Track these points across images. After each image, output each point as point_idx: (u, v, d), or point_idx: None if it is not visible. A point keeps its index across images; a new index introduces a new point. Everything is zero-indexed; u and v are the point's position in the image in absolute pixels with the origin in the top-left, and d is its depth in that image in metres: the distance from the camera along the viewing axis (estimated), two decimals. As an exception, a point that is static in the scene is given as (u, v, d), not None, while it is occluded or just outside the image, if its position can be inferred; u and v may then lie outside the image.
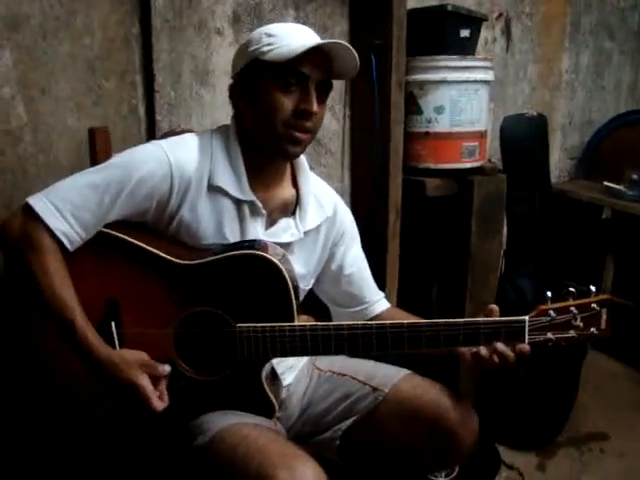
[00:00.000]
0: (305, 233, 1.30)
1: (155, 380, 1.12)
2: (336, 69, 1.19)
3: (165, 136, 1.53)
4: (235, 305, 1.17)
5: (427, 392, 1.29)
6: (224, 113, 1.89)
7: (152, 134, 1.74)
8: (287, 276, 1.17)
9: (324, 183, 1.43)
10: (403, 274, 2.18)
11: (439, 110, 2.01)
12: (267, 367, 1.22)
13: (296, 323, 1.18)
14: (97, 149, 1.37)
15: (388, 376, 1.34)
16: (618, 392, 2.56)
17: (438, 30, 1.99)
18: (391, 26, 1.93)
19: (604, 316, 1.23)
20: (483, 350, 1.18)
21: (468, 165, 2.08)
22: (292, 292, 1.18)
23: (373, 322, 1.19)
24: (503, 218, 2.23)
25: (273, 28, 1.20)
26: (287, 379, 1.36)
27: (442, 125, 2.03)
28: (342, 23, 2.06)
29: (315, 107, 1.16)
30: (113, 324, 1.16)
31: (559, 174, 3.09)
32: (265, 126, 1.19)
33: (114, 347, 1.14)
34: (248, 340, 1.17)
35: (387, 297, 1.51)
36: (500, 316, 1.20)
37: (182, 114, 1.78)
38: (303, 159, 1.33)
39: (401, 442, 1.28)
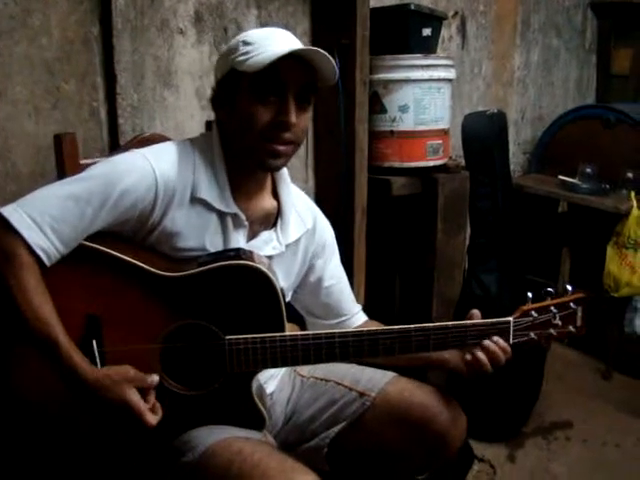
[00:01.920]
0: (286, 246, 1.28)
1: (144, 393, 1.07)
2: (319, 75, 1.16)
3: (133, 141, 1.49)
4: (223, 317, 1.14)
5: (415, 394, 1.28)
6: (187, 115, 1.85)
7: (114, 138, 1.68)
8: (277, 285, 1.14)
9: (304, 195, 1.41)
10: (367, 273, 2.19)
11: (403, 109, 2.01)
12: (256, 379, 1.19)
13: (287, 333, 1.16)
14: (64, 155, 1.30)
15: (374, 380, 1.33)
16: (579, 381, 2.65)
17: (401, 29, 2.00)
18: (355, 25, 1.92)
19: (579, 314, 1.28)
20: (478, 353, 1.19)
21: (432, 163, 2.09)
22: (282, 301, 1.16)
23: (364, 329, 1.19)
24: (466, 215, 2.25)
25: (251, 35, 1.17)
26: (269, 387, 1.34)
27: (406, 124, 2.03)
28: (304, 22, 2.04)
29: (293, 118, 1.12)
30: (94, 342, 1.10)
31: (513, 169, 3.15)
32: (243, 137, 1.16)
33: (96, 366, 1.09)
34: (238, 352, 1.14)
35: (363, 309, 1.49)
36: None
37: (145, 117, 1.73)
38: (284, 170, 1.30)
39: (391, 446, 1.27)
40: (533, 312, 1.24)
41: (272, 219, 1.28)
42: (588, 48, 3.45)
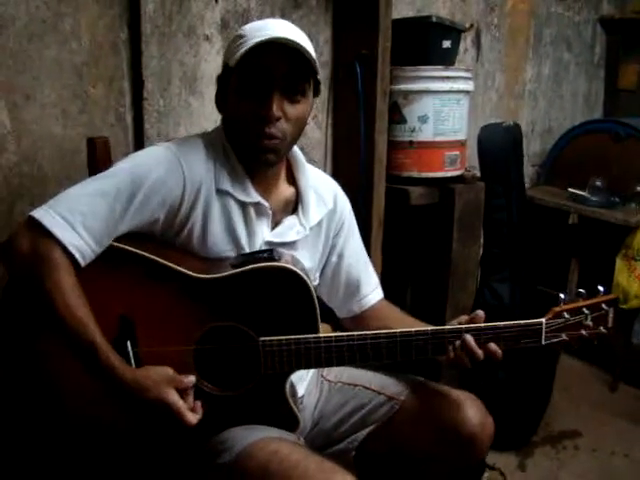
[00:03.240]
0: (310, 229, 1.29)
1: (182, 393, 1.07)
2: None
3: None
4: (257, 318, 1.15)
5: (444, 398, 1.29)
6: (212, 122, 1.85)
7: (140, 143, 1.69)
8: (311, 287, 1.16)
9: (322, 173, 1.42)
10: (381, 282, 2.20)
11: (423, 119, 2.03)
12: (289, 380, 1.20)
13: (321, 334, 1.17)
14: (97, 159, 1.31)
15: (402, 384, 1.35)
16: (586, 392, 2.66)
17: (422, 40, 2.02)
18: (377, 36, 1.94)
19: (611, 315, 1.28)
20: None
21: (450, 174, 2.11)
22: (316, 302, 1.17)
23: (397, 330, 1.20)
24: (481, 225, 2.27)
25: (245, 27, 1.18)
26: (299, 391, 1.34)
27: (426, 134, 2.05)
28: (326, 31, 2.06)
29: (274, 111, 1.11)
30: (129, 343, 1.12)
31: (523, 180, 3.19)
32: (235, 133, 1.19)
33: (131, 367, 1.10)
34: (272, 354, 1.15)
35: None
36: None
37: (171, 122, 1.74)
38: (298, 153, 1.31)
39: (420, 450, 1.28)
40: (565, 313, 1.24)
41: (292, 205, 1.29)
42: (597, 63, 3.48)
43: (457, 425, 1.24)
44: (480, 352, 1.19)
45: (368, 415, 1.33)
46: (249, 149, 1.17)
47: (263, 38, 1.09)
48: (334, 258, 1.39)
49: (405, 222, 2.23)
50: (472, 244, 2.25)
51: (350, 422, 1.34)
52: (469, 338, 1.19)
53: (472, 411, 1.26)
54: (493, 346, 1.20)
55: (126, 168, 1.13)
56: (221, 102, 1.23)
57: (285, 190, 1.29)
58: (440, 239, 2.20)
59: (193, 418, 1.06)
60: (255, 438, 1.10)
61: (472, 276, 2.31)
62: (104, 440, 1.14)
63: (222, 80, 1.21)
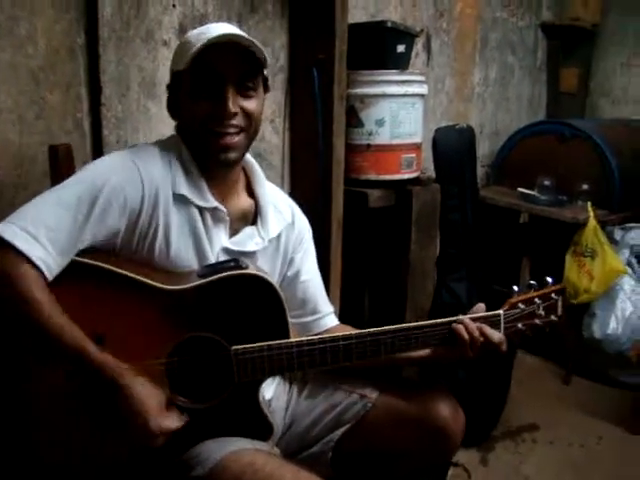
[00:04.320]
0: (269, 241, 1.29)
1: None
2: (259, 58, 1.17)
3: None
4: (228, 327, 1.14)
5: (414, 392, 1.32)
6: (171, 127, 1.80)
7: (98, 149, 1.66)
8: (280, 293, 1.16)
9: (279, 190, 1.44)
10: (341, 283, 2.22)
11: (380, 123, 2.06)
12: (262, 387, 1.19)
13: (292, 339, 1.17)
14: (60, 167, 1.28)
15: (372, 382, 1.36)
16: (541, 386, 2.74)
17: (378, 45, 2.05)
18: (333, 41, 1.95)
19: (560, 304, 1.37)
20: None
21: (407, 176, 2.15)
22: (286, 308, 1.17)
23: (366, 330, 1.22)
24: (437, 226, 2.32)
25: (188, 35, 1.21)
26: (266, 395, 1.34)
27: (383, 137, 2.08)
28: (282, 36, 2.06)
29: (230, 107, 1.14)
30: None
31: (473, 181, 3.27)
32: (193, 136, 1.19)
33: None
34: (244, 362, 1.14)
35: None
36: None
37: (129, 128, 1.71)
38: (257, 167, 1.33)
39: (395, 446, 1.30)
40: (520, 304, 1.31)
41: (250, 217, 1.30)
42: (539, 67, 3.61)
43: (429, 419, 1.27)
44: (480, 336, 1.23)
45: (341, 415, 1.33)
46: (208, 150, 1.18)
47: (210, 37, 1.11)
48: (290, 273, 1.38)
49: (363, 224, 2.26)
50: (429, 245, 2.30)
51: (323, 423, 1.34)
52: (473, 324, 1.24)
53: (443, 405, 1.29)
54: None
55: (84, 177, 1.12)
56: (174, 108, 1.24)
57: (244, 201, 1.29)
58: (398, 241, 2.24)
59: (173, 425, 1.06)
60: (229, 450, 1.10)
61: (430, 277, 2.36)
62: (76, 456, 1.11)
63: (172, 87, 1.23)
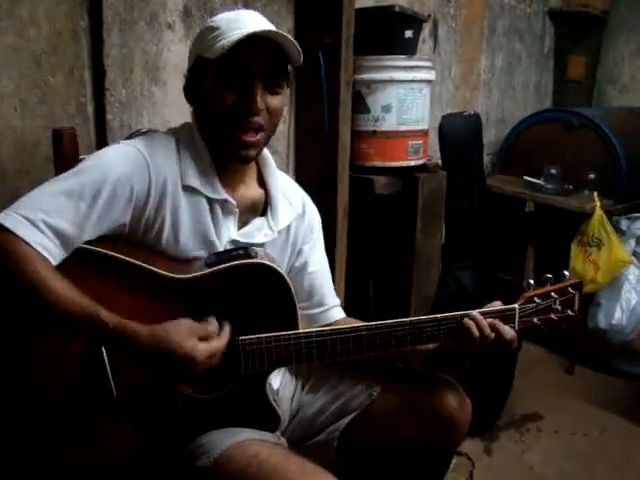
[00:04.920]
0: (278, 232, 1.27)
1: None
2: (289, 57, 1.15)
3: (131, 138, 1.45)
4: (237, 317, 1.12)
5: (421, 383, 1.31)
6: (175, 111, 1.81)
7: (102, 134, 1.63)
8: (290, 283, 1.15)
9: (291, 180, 1.42)
10: (346, 270, 2.20)
11: (386, 109, 2.04)
12: (269, 378, 1.18)
13: (301, 330, 1.16)
14: (64, 151, 1.26)
15: (377, 371, 1.35)
16: (545, 375, 2.74)
17: (385, 30, 2.02)
18: (340, 25, 1.92)
19: (577, 298, 1.33)
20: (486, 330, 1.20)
21: (413, 163, 2.13)
22: (295, 299, 1.16)
23: (375, 323, 1.19)
24: (443, 214, 2.30)
25: (217, 19, 1.17)
26: (274, 384, 1.33)
27: (389, 124, 2.05)
28: (288, 20, 2.03)
29: (259, 103, 1.11)
30: (104, 349, 1.07)
31: (479, 169, 3.25)
32: (213, 126, 1.17)
33: (105, 375, 1.06)
34: (252, 352, 1.13)
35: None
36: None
37: (133, 113, 1.68)
38: (269, 157, 1.30)
39: (401, 436, 1.29)
40: (536, 298, 1.28)
41: (260, 207, 1.28)
42: (546, 54, 3.57)
43: (437, 408, 1.26)
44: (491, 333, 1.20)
45: (346, 404, 1.32)
46: (227, 144, 1.15)
47: (244, 32, 1.07)
48: (298, 264, 1.36)
49: (369, 211, 2.24)
50: (435, 233, 2.28)
51: (329, 411, 1.33)
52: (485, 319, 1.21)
53: (451, 394, 1.28)
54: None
55: (90, 165, 1.10)
56: (194, 95, 1.20)
57: (254, 191, 1.27)
58: (404, 228, 2.22)
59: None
60: (235, 441, 1.09)
61: (435, 265, 2.34)
62: (82, 445, 1.10)
63: (194, 72, 1.18)
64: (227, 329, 1.09)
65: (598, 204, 2.58)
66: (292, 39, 1.11)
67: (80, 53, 1.57)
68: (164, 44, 1.72)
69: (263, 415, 1.18)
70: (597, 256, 2.57)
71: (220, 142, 1.17)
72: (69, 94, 1.57)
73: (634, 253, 2.69)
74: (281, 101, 1.17)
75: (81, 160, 1.15)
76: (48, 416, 1.07)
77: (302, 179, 2.24)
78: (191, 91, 1.21)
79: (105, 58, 1.59)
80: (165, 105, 1.76)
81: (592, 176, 2.74)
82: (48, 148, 1.43)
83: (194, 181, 1.15)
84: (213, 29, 1.13)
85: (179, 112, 1.80)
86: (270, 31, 1.10)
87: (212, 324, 1.08)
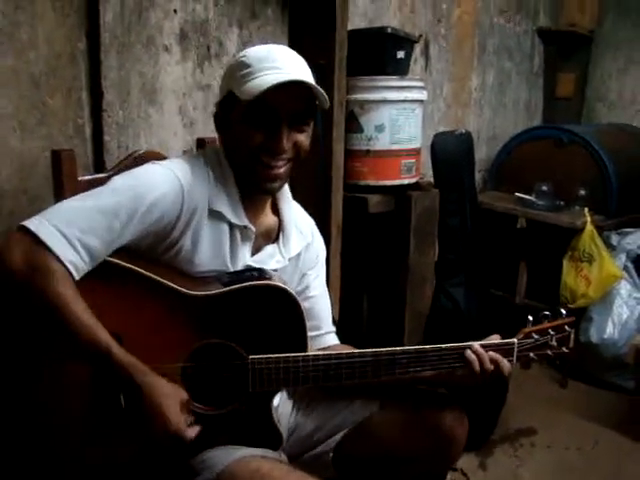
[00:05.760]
0: (289, 260, 1.30)
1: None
2: (317, 98, 1.18)
3: (129, 158, 1.46)
4: (247, 336, 1.15)
5: (419, 398, 1.32)
6: (171, 133, 1.84)
7: (99, 155, 1.66)
8: (301, 306, 1.18)
9: (301, 209, 1.44)
10: (340, 288, 2.22)
11: (379, 128, 2.07)
12: (275, 398, 1.20)
13: (309, 352, 1.18)
14: (63, 172, 1.28)
15: (375, 387, 1.35)
16: (538, 389, 2.74)
17: (378, 51, 2.06)
18: (334, 47, 1.96)
19: (572, 336, 1.36)
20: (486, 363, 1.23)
21: (406, 181, 2.16)
22: (305, 322, 1.19)
23: (382, 349, 1.21)
24: (436, 231, 2.32)
25: (249, 55, 1.18)
26: (274, 401, 1.34)
27: (382, 143, 2.09)
28: (282, 41, 2.07)
29: (284, 144, 1.14)
30: None
31: (470, 186, 3.28)
32: (238, 159, 1.19)
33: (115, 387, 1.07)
34: (260, 372, 1.15)
35: (335, 324, 1.50)
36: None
37: (130, 134, 1.71)
38: (286, 186, 1.32)
39: (399, 450, 1.30)
40: (534, 334, 1.31)
41: (273, 234, 1.30)
42: (536, 72, 3.63)
43: (435, 425, 1.27)
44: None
45: (344, 420, 1.34)
46: (253, 177, 1.18)
47: (275, 78, 1.09)
48: (300, 287, 1.38)
49: (363, 230, 2.26)
50: (428, 250, 2.31)
51: (327, 427, 1.35)
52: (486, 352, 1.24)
53: (449, 409, 1.29)
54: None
55: (127, 186, 1.11)
56: (222, 123, 1.22)
57: (269, 219, 1.30)
58: (397, 246, 2.24)
59: (191, 432, 1.06)
60: (236, 456, 1.10)
61: (429, 282, 2.36)
62: (87, 458, 1.11)
63: (224, 105, 1.21)
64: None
65: (589, 220, 2.61)
66: (319, 88, 1.14)
67: (78, 75, 1.60)
68: (161, 66, 1.75)
69: (266, 434, 1.19)
70: (588, 271, 2.60)
71: (246, 174, 1.19)
72: (67, 115, 1.60)
73: (625, 268, 2.71)
74: (307, 137, 1.20)
75: (111, 178, 1.15)
76: (55, 424, 1.08)
77: (296, 197, 2.25)
78: (221, 122, 1.23)
79: (103, 80, 1.62)
80: (161, 126, 1.79)
81: (583, 192, 2.78)
82: (46, 169, 1.45)
83: (222, 207, 1.18)
84: (244, 65, 1.15)
85: (174, 133, 1.84)
86: (301, 81, 1.12)
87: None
